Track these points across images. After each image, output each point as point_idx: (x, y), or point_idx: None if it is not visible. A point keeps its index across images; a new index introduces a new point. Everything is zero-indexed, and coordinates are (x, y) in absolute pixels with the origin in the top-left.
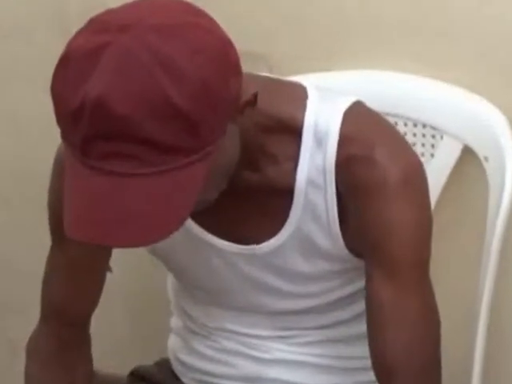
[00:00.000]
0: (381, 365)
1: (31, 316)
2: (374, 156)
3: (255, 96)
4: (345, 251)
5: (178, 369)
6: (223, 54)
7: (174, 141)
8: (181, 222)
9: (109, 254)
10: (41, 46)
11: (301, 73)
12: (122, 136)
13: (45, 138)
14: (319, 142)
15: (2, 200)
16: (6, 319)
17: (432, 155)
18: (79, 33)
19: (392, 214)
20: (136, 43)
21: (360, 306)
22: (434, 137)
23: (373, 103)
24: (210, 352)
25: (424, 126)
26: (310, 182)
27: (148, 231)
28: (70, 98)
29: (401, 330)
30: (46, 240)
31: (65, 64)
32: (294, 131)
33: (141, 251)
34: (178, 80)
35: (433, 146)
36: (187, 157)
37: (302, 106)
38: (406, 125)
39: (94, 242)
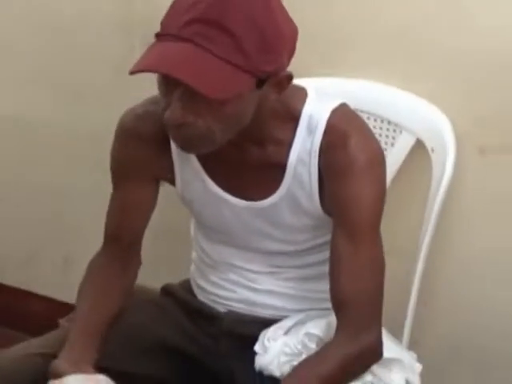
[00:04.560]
0: (336, 299)
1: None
2: (347, 144)
3: (291, 76)
4: (320, 211)
5: (195, 289)
6: (295, 35)
7: (247, 44)
8: (224, 95)
9: (151, 197)
10: (108, 39)
11: (301, 76)
12: (219, 24)
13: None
14: (310, 130)
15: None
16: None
17: (392, 144)
18: None
19: (356, 188)
20: None
21: (327, 253)
22: (394, 131)
23: (353, 102)
24: (217, 280)
25: (389, 122)
26: (300, 160)
27: (201, 84)
28: None
29: (353, 274)
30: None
31: None
32: (293, 119)
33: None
34: (273, 19)
35: (393, 137)
36: (247, 64)
37: (303, 102)
38: (375, 120)
39: (162, 71)
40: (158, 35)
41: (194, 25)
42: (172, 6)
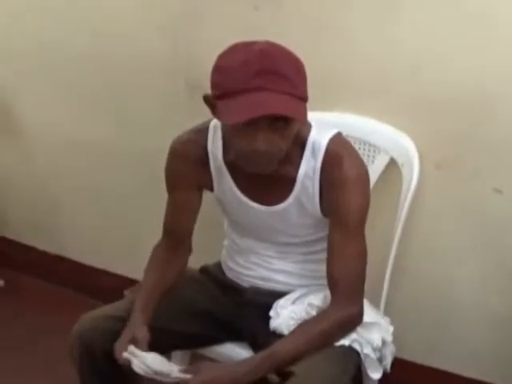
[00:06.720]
0: (331, 278)
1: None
2: (341, 164)
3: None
4: (319, 213)
5: (225, 269)
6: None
7: (297, 80)
8: (304, 117)
9: (196, 201)
10: (157, 79)
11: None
12: (276, 71)
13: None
14: (314, 153)
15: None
16: None
17: (373, 161)
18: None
19: (348, 197)
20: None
21: (324, 244)
22: (374, 151)
23: (344, 130)
24: (242, 262)
25: (369, 145)
26: (306, 175)
27: (295, 115)
28: (244, 56)
29: (343, 260)
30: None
31: (230, 51)
32: (301, 145)
33: (212, 202)
34: (298, 59)
35: (373, 156)
36: (302, 93)
37: (308, 132)
38: (360, 143)
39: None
40: (223, 94)
41: (258, 77)
42: (221, 71)
